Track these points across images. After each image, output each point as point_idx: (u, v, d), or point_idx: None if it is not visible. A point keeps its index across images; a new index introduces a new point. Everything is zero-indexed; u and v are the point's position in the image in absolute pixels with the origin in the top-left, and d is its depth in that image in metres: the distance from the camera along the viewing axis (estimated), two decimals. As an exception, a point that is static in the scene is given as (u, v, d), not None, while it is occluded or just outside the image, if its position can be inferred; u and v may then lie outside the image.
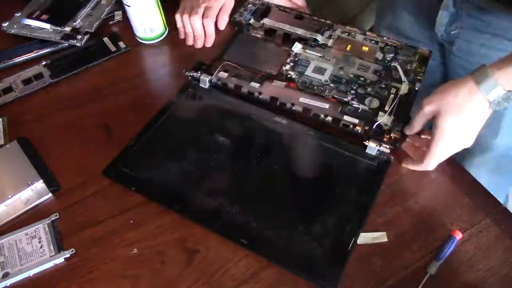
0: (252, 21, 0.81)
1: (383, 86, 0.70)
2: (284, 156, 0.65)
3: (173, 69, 0.78)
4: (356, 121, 0.65)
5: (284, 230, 0.58)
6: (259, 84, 0.71)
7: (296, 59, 0.74)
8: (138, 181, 0.63)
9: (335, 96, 0.69)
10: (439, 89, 0.59)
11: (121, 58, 0.81)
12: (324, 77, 0.71)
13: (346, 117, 0.66)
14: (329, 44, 0.76)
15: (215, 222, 0.58)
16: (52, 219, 0.60)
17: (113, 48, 0.82)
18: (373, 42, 0.77)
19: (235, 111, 0.70)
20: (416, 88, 0.70)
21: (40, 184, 0.62)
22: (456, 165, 0.66)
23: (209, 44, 0.80)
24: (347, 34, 0.78)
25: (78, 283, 0.55)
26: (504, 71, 0.54)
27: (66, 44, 0.81)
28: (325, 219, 0.58)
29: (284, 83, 0.71)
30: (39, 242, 0.58)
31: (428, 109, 0.59)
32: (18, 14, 0.85)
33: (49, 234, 0.58)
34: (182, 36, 0.82)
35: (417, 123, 0.63)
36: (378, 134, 0.64)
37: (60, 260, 0.57)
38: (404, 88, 0.69)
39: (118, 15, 0.88)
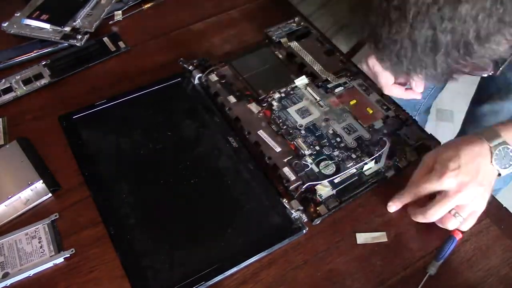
0: (283, 40, 0.78)
1: (353, 156, 0.63)
2: (209, 174, 0.64)
3: (174, 69, 0.78)
4: (292, 177, 0.61)
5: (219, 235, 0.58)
6: (235, 100, 0.70)
7: (292, 92, 0.71)
8: (79, 141, 0.67)
9: (296, 143, 0.65)
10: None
11: (121, 58, 0.81)
12: (302, 121, 0.67)
13: (285, 169, 0.62)
14: (336, 91, 0.71)
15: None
16: (52, 219, 0.60)
17: (113, 48, 0.82)
18: (384, 108, 0.69)
19: (200, 114, 0.71)
20: (387, 176, 0.62)
21: (40, 184, 0.62)
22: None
23: None
24: (364, 88, 0.71)
25: (78, 283, 0.55)
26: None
27: (66, 44, 0.81)
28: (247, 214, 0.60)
29: (260, 108, 0.69)
30: (39, 242, 0.58)
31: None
32: (18, 14, 0.85)
33: (49, 234, 0.58)
34: None
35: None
36: (306, 200, 0.60)
37: (60, 260, 0.57)
38: (372, 169, 0.62)
39: (118, 15, 0.88)
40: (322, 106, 0.70)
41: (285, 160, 0.63)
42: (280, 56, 0.78)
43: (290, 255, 0.57)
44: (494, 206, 0.61)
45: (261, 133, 0.66)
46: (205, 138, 0.68)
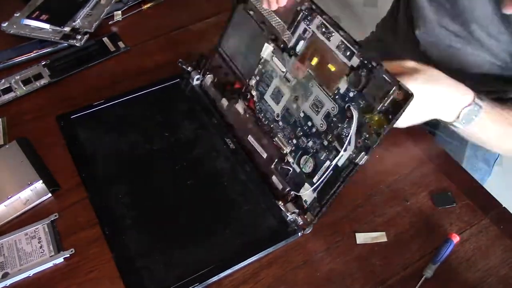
0: None
1: (325, 143, 0.57)
2: (206, 175, 0.64)
3: (173, 69, 0.78)
4: (280, 186, 0.62)
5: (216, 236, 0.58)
6: (227, 103, 0.70)
7: (263, 70, 0.66)
8: (76, 141, 0.67)
9: (278, 140, 0.63)
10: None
11: (121, 58, 0.81)
12: (277, 109, 0.64)
13: (274, 178, 0.62)
14: (297, 49, 0.61)
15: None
16: (52, 219, 0.60)
17: (112, 48, 0.82)
18: (348, 54, 0.54)
19: (198, 115, 0.71)
20: (359, 163, 0.53)
21: (39, 184, 0.62)
22: (455, 165, 0.66)
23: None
24: (324, 29, 0.57)
25: (78, 283, 0.55)
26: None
27: (66, 44, 0.81)
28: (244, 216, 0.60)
29: (245, 104, 0.68)
30: (38, 242, 0.58)
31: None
32: (18, 14, 0.85)
33: (48, 234, 0.58)
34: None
35: None
36: (298, 205, 0.59)
37: (59, 260, 0.57)
38: (344, 156, 0.55)
39: (117, 15, 0.88)
40: (289, 81, 0.64)
41: (272, 166, 0.63)
42: (252, 14, 0.69)
43: (290, 255, 0.57)
44: (493, 206, 0.61)
45: (250, 138, 0.66)
46: (203, 139, 0.68)
